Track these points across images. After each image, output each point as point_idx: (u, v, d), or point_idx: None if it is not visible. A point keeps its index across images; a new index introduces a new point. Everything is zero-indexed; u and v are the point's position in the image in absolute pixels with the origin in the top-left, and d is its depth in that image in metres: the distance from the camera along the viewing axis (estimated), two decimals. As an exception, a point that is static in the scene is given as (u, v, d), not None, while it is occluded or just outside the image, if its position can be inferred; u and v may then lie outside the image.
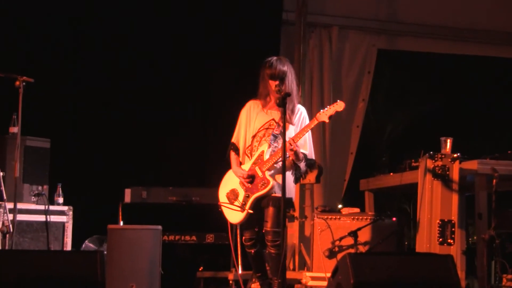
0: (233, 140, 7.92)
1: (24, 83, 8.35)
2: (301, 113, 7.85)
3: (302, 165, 7.68)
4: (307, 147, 7.73)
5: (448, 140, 8.13)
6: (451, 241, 7.92)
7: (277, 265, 7.20)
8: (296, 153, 7.57)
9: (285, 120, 6.94)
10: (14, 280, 5.74)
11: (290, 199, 7.79)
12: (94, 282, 5.87)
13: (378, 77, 11.52)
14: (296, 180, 7.83)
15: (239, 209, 7.70)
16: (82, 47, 10.74)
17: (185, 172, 10.95)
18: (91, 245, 9.88)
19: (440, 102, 11.35)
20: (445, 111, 11.08)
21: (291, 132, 7.69)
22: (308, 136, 7.73)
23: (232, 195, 7.86)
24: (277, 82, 7.60)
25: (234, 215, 7.80)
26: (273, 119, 7.82)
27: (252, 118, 7.75)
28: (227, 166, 9.85)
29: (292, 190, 7.80)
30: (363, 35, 11.64)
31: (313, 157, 7.88)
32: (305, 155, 7.67)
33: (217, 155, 10.78)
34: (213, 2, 11.02)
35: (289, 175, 7.62)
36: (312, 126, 7.56)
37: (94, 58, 10.73)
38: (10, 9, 10.36)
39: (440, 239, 7.98)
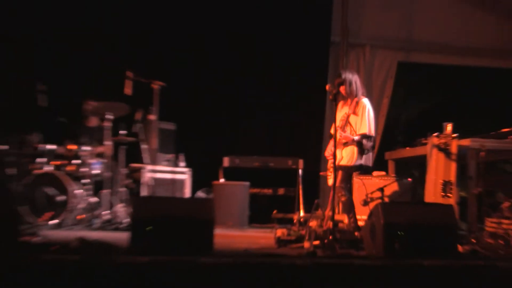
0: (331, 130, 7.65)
1: (159, 87, 8.47)
2: (363, 105, 7.71)
3: (364, 142, 7.63)
4: (365, 128, 7.61)
5: (449, 125, 8.03)
6: (450, 195, 7.83)
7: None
8: (345, 137, 7.59)
9: (336, 110, 6.98)
10: (152, 215, 5.76)
11: (355, 166, 7.70)
12: (206, 220, 5.87)
13: (397, 81, 11.38)
14: (361, 152, 7.65)
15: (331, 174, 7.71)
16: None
17: (266, 145, 10.95)
18: (202, 195, 9.97)
19: (442, 99, 11.19)
20: (446, 105, 10.94)
21: (355, 120, 7.67)
22: (366, 119, 7.62)
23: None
24: (342, 86, 7.63)
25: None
26: (345, 113, 7.80)
27: (338, 113, 7.65)
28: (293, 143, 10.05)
29: (357, 160, 7.65)
30: (387, 51, 11.47)
31: (371, 133, 7.66)
32: (364, 134, 7.60)
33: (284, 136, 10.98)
34: (279, 29, 10.95)
35: (354, 149, 7.61)
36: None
37: (204, 58, 10.73)
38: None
39: (442, 194, 7.90)
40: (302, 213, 9.56)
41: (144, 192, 9.19)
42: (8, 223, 5.53)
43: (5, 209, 5.59)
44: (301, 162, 10.21)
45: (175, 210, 5.94)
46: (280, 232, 6.79)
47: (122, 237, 6.38)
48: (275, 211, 10.04)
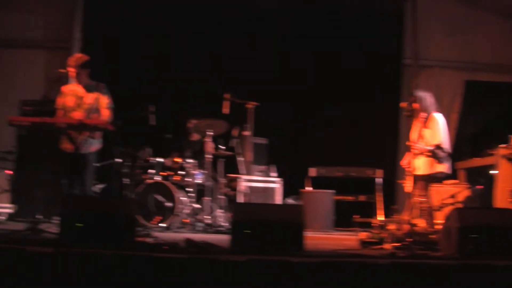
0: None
1: (253, 106, 8.46)
2: (435, 119, 7.43)
3: (437, 152, 7.36)
4: (437, 139, 7.34)
5: (515, 136, 7.81)
6: (518, 201, 7.61)
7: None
8: (420, 149, 7.38)
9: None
10: (247, 220, 5.75)
11: (430, 175, 7.42)
12: (297, 223, 5.80)
13: (464, 97, 11.11)
14: (437, 162, 7.36)
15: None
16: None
17: (348, 156, 10.75)
18: (291, 201, 9.89)
19: (506, 113, 10.84)
20: (510, 118, 10.57)
21: (428, 133, 7.40)
22: (438, 131, 7.36)
23: None
24: (416, 104, 7.46)
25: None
26: (419, 127, 7.60)
27: (413, 128, 7.46)
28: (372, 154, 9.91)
29: (432, 169, 7.38)
30: (454, 72, 11.22)
31: (443, 144, 7.36)
32: (436, 144, 7.33)
33: (364, 148, 10.83)
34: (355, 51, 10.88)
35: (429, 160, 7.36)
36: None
37: (290, 78, 10.73)
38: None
39: (510, 200, 7.64)
40: (381, 218, 9.38)
41: (240, 199, 9.18)
42: (126, 226, 5.61)
43: (124, 213, 5.66)
44: (379, 172, 10.04)
45: (269, 215, 5.89)
46: (364, 235, 6.65)
47: (222, 239, 6.40)
48: (356, 216, 9.91)
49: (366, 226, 8.97)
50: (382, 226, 7.99)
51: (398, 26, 11.11)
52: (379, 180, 9.96)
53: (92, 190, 7.54)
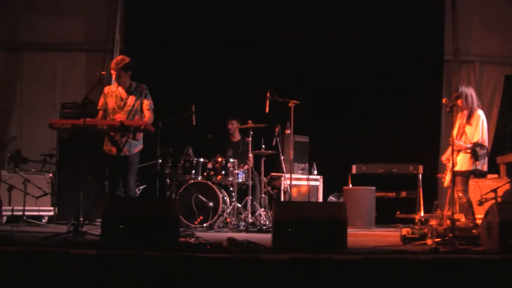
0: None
1: (293, 105, 8.42)
2: (478, 116, 7.35)
3: (477, 149, 7.24)
4: (478, 136, 7.27)
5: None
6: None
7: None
8: (459, 146, 7.26)
9: (452, 121, 6.69)
10: (289, 218, 5.73)
11: (470, 171, 7.32)
12: (339, 220, 5.76)
13: (505, 92, 10.92)
14: (476, 159, 7.27)
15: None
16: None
17: (389, 153, 10.71)
18: (333, 198, 9.83)
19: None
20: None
21: (470, 130, 7.33)
22: (480, 129, 7.28)
23: None
24: (459, 100, 7.35)
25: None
26: (461, 123, 7.49)
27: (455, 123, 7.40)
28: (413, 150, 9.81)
29: (472, 166, 7.28)
30: (495, 66, 11.07)
31: (483, 142, 7.28)
32: (476, 142, 7.25)
33: (405, 144, 10.70)
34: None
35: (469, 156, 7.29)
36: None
37: (330, 76, 10.72)
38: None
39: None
40: (423, 213, 9.26)
41: (282, 197, 9.15)
42: (170, 227, 5.60)
43: (167, 214, 5.65)
44: (421, 168, 9.90)
45: (312, 213, 5.83)
46: (405, 231, 6.55)
47: (265, 237, 6.41)
48: (398, 212, 9.81)
49: (408, 222, 8.88)
50: (423, 222, 7.88)
51: (438, 22, 10.96)
52: (420, 176, 9.81)
53: (135, 191, 7.57)
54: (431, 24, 10.91)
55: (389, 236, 7.56)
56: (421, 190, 9.65)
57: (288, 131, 9.15)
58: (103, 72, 7.24)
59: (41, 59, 11.18)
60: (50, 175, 9.59)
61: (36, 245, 5.42)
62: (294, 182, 9.18)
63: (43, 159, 9.67)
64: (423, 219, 8.34)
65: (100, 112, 7.40)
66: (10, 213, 8.88)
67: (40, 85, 11.10)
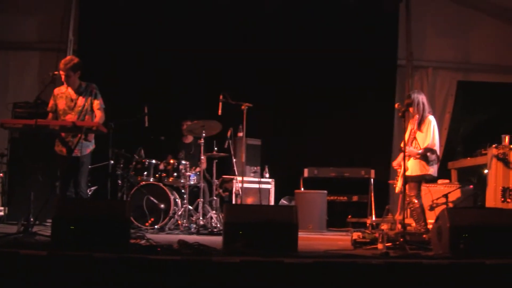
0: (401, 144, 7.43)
1: (246, 107, 8.51)
2: (429, 121, 7.51)
3: (428, 154, 7.45)
4: (429, 141, 7.43)
5: (507, 136, 7.83)
6: (509, 200, 7.63)
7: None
8: (410, 151, 7.45)
9: (404, 126, 6.85)
10: (240, 221, 5.77)
11: (421, 176, 7.53)
12: (291, 224, 5.81)
13: (457, 97, 11.18)
14: (427, 164, 7.48)
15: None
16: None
17: (340, 157, 10.82)
18: (285, 202, 9.95)
19: (498, 113, 10.88)
20: (502, 118, 10.60)
21: (421, 136, 7.51)
22: (431, 134, 7.44)
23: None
24: (411, 107, 7.55)
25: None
26: (411, 129, 7.66)
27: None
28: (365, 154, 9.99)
29: (423, 171, 7.48)
30: (447, 72, 11.30)
31: (434, 147, 7.46)
32: (427, 147, 7.43)
33: (356, 148, 10.86)
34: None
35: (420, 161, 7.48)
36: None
37: (284, 79, 10.80)
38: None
39: (502, 199, 7.70)
40: (374, 218, 9.44)
41: (234, 200, 9.22)
42: (120, 228, 5.62)
43: (118, 215, 5.67)
44: (372, 172, 10.11)
45: (263, 216, 5.89)
46: (356, 235, 6.68)
47: (216, 240, 6.43)
48: (349, 216, 10.00)
49: (360, 226, 9.05)
50: (375, 226, 8.05)
51: (392, 26, 11.17)
52: (371, 181, 10.01)
53: (86, 192, 7.55)
54: (385, 28, 11.10)
55: (340, 240, 7.71)
56: (372, 194, 9.84)
57: (240, 134, 9.17)
58: (56, 72, 7.21)
59: None
60: (1, 174, 9.53)
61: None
62: (245, 185, 9.21)
63: (-7, 159, 9.57)
64: (374, 224, 8.52)
65: (50, 114, 7.37)
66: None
67: None
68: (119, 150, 8.92)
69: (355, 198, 10.18)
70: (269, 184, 9.80)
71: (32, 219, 6.51)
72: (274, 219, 5.85)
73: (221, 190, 9.44)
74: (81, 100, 7.31)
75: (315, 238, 8.16)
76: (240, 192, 8.92)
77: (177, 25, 10.74)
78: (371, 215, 9.58)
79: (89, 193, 8.63)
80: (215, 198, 9.17)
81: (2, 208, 9.44)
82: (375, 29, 10.94)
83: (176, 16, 10.78)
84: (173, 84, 10.68)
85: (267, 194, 9.73)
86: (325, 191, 9.81)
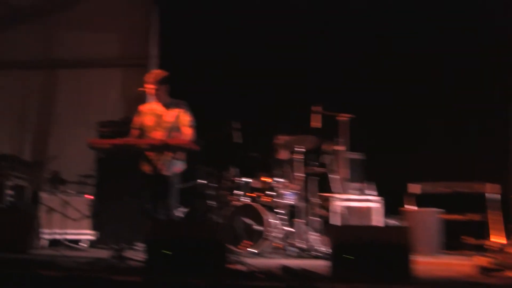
0: None
1: (346, 119, 8.31)
2: None
3: None
4: None
5: None
6: None
7: None
8: None
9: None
10: (348, 243, 5.54)
11: None
12: (403, 246, 5.50)
13: None
14: None
15: None
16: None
17: (453, 170, 10.21)
18: (392, 221, 9.59)
19: None
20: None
21: None
22: None
23: None
24: None
25: None
26: None
27: None
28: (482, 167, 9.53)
29: None
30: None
31: None
32: None
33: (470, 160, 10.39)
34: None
35: None
36: None
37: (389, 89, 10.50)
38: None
39: None
40: (497, 239, 8.96)
41: (335, 221, 8.97)
42: (216, 252, 5.59)
43: (213, 238, 5.65)
44: (492, 186, 9.56)
45: (372, 238, 5.61)
46: (484, 260, 6.23)
47: (319, 264, 6.25)
48: (465, 237, 9.51)
49: (479, 249, 8.57)
50: (499, 250, 7.57)
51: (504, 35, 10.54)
52: (491, 196, 9.48)
53: (177, 213, 7.52)
54: (496, 38, 10.49)
55: (460, 265, 7.20)
56: (493, 212, 9.32)
57: (340, 148, 9.00)
58: (141, 88, 7.28)
59: (77, 76, 11.53)
60: (89, 197, 9.76)
61: (80, 271, 5.55)
62: (348, 204, 8.99)
63: (81, 180, 9.88)
64: (499, 246, 8.05)
65: (135, 131, 7.38)
66: (50, 236, 9.16)
67: (76, 103, 11.49)
68: (211, 169, 8.89)
69: (473, 216, 9.66)
70: (375, 203, 9.46)
71: (122, 243, 6.60)
72: (385, 242, 5.55)
73: (322, 210, 9.23)
74: (169, 116, 7.32)
75: (430, 263, 7.72)
76: (343, 212, 8.68)
77: (269, 34, 10.65)
78: (492, 236, 9.09)
79: (180, 215, 8.62)
80: (315, 218, 8.96)
81: (92, 231, 9.66)
82: (487, 42, 10.41)
83: (266, 24, 10.68)
84: (264, 95, 10.58)
85: (372, 214, 9.39)
86: (438, 209, 9.34)
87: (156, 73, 7.49)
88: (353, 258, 5.42)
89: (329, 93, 9.58)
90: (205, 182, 8.85)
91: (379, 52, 10.55)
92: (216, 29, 10.77)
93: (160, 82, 7.29)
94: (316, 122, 8.60)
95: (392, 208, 9.65)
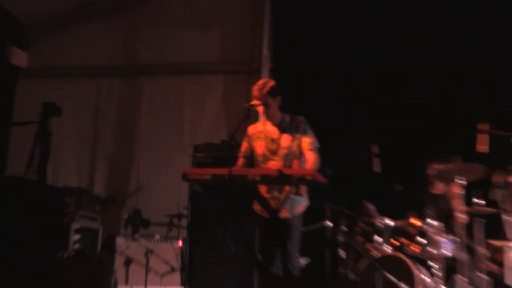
0: None
1: None
2: None
3: None
4: None
5: None
6: None
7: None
8: None
9: None
10: None
11: None
12: None
13: None
14: None
15: None
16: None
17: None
18: None
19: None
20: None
21: None
22: None
23: None
24: None
25: None
26: None
27: None
28: None
29: None
30: None
31: None
32: None
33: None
34: None
35: None
36: None
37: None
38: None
39: None
40: None
41: (510, 278, 8.89)
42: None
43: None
44: None
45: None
46: None
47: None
48: None
49: None
50: None
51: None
52: None
53: (297, 266, 7.59)
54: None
55: None
56: None
57: (514, 179, 8.95)
58: (253, 102, 7.30)
59: (165, 85, 11.80)
60: (179, 243, 9.91)
61: None
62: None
63: (169, 221, 10.03)
64: None
65: (242, 160, 7.52)
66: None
67: (163, 119, 11.62)
68: (340, 207, 8.95)
69: None
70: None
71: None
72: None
73: (490, 263, 9.15)
74: (286, 140, 7.44)
75: None
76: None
77: (409, 35, 10.81)
78: None
79: (301, 267, 8.72)
80: (482, 275, 8.82)
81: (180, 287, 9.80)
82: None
83: (406, 24, 10.84)
84: (411, 109, 10.63)
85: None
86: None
87: (261, 83, 7.48)
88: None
89: (501, 107, 9.56)
90: (334, 224, 8.90)
91: None
92: (343, 22, 10.86)
93: (270, 92, 7.34)
94: (483, 145, 8.56)
95: None
